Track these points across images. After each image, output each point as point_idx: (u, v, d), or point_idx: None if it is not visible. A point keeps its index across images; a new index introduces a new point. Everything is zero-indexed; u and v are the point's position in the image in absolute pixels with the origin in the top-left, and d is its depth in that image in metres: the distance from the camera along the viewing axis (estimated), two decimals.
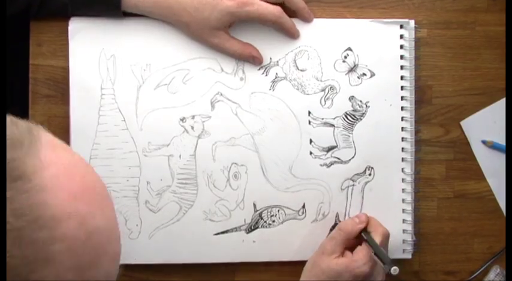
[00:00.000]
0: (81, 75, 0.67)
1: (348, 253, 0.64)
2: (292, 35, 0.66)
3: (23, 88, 0.68)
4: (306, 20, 0.66)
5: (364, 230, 0.65)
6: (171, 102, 0.67)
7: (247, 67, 0.68)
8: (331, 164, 0.69)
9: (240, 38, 0.67)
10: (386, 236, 0.64)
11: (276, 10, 0.63)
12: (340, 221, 0.69)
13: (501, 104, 0.70)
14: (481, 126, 0.70)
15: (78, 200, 0.35)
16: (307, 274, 0.64)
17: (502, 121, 0.69)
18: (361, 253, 0.62)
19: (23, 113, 0.64)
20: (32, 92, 0.68)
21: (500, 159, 0.70)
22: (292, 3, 0.64)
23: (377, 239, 0.63)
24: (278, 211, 0.68)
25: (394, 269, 0.57)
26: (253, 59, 0.65)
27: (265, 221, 0.68)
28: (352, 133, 0.69)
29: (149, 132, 0.67)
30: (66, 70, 0.67)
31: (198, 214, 0.68)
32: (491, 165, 0.71)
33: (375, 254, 0.61)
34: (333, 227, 0.69)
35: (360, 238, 0.65)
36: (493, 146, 0.70)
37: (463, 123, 0.70)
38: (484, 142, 0.70)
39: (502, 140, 0.70)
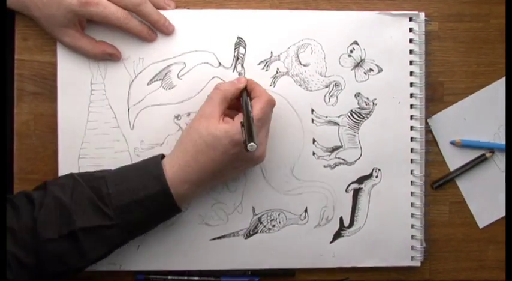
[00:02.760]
0: (69, 70, 0.64)
1: (229, 119, 0.59)
2: (145, 39, 0.64)
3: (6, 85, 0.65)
4: (165, 33, 0.64)
5: (246, 93, 0.61)
6: (166, 98, 0.65)
7: (247, 61, 0.66)
8: (336, 166, 0.67)
9: None
10: (268, 104, 0.59)
11: (121, 15, 0.60)
12: (345, 226, 0.67)
13: (471, 100, 0.69)
14: (449, 124, 0.68)
15: None
16: (183, 139, 0.59)
17: (473, 118, 0.68)
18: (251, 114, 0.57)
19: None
20: (17, 89, 0.66)
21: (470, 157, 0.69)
22: (144, 17, 0.62)
23: (257, 105, 0.58)
24: (279, 215, 0.67)
25: (251, 146, 0.51)
26: (110, 56, 0.63)
27: (264, 226, 0.66)
28: (357, 132, 0.67)
29: (142, 131, 0.65)
30: (53, 65, 0.65)
31: (193, 218, 0.66)
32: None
33: (242, 122, 0.55)
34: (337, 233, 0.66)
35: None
36: (462, 144, 0.68)
37: (430, 121, 0.68)
38: (452, 143, 0.68)
39: (474, 137, 0.68)
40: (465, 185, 0.69)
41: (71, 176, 0.59)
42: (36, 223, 0.55)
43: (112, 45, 0.63)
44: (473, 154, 0.69)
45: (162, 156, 0.60)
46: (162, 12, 0.64)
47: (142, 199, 0.56)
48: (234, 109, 0.61)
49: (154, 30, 0.64)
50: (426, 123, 0.67)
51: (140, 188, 0.57)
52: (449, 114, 0.68)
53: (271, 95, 0.60)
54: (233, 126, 0.57)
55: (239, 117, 0.57)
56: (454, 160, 0.69)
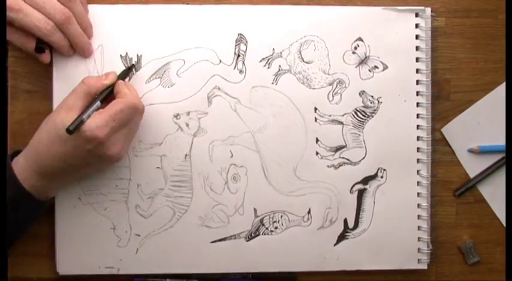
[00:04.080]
0: (65, 67, 0.63)
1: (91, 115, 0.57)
2: (62, 54, 0.62)
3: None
4: (81, 55, 0.63)
5: (107, 90, 0.59)
6: (164, 97, 0.64)
7: (248, 59, 0.65)
8: (340, 166, 0.66)
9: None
10: (132, 108, 0.58)
11: (43, 26, 0.58)
12: (349, 228, 0.67)
13: (484, 102, 0.68)
14: (464, 131, 0.68)
15: None
16: (40, 128, 0.58)
17: (487, 121, 0.68)
18: (99, 116, 0.56)
19: None
20: (11, 87, 0.65)
21: (489, 162, 0.68)
22: (66, 35, 0.60)
23: (119, 105, 0.57)
24: (281, 216, 0.66)
25: (68, 129, 0.52)
26: (39, 54, 0.61)
27: (266, 228, 0.66)
28: (362, 132, 0.66)
29: (140, 130, 0.64)
30: (49, 62, 0.63)
31: (193, 220, 0.65)
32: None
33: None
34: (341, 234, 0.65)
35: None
36: (480, 151, 0.68)
37: (444, 130, 0.68)
38: (470, 151, 0.68)
39: (489, 142, 0.68)
40: (487, 190, 0.68)
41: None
42: None
43: (44, 43, 0.61)
44: (492, 158, 0.68)
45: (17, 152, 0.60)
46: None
47: None
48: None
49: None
50: (432, 121, 0.67)
51: None
52: (462, 121, 0.68)
53: (139, 100, 0.60)
54: (88, 122, 0.55)
55: (97, 114, 0.56)
56: (473, 166, 0.68)
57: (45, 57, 0.61)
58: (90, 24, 0.63)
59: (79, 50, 0.62)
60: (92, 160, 0.58)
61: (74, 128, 0.53)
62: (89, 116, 0.55)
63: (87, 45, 0.62)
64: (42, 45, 0.60)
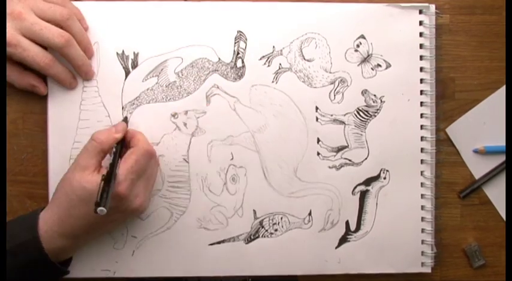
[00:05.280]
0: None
1: (105, 170, 0.57)
2: (64, 86, 0.62)
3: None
4: (83, 78, 0.62)
5: (121, 145, 0.59)
6: (162, 95, 0.64)
7: (247, 56, 0.64)
8: (341, 167, 0.65)
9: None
10: (145, 155, 0.58)
11: (42, 60, 0.58)
12: (351, 230, 0.66)
13: (489, 102, 0.67)
14: (469, 131, 0.67)
15: None
16: (57, 191, 0.57)
17: (493, 121, 0.67)
18: (118, 170, 0.56)
19: None
20: None
21: (495, 163, 0.68)
22: (67, 59, 0.60)
23: (132, 156, 0.57)
24: (281, 218, 0.65)
25: (101, 210, 0.50)
26: (33, 88, 0.61)
27: (266, 230, 0.65)
28: (364, 132, 0.66)
29: (137, 130, 0.63)
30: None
31: (191, 222, 0.64)
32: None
33: (103, 175, 0.54)
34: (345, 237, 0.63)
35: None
36: (485, 152, 0.67)
37: (448, 130, 0.67)
38: (476, 151, 0.67)
39: (495, 142, 0.67)
40: (492, 191, 0.68)
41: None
42: None
43: (38, 77, 0.61)
44: (498, 159, 0.67)
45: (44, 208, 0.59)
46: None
47: (10, 248, 0.55)
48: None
49: (77, 76, 0.62)
50: (436, 121, 0.66)
51: (10, 238, 0.55)
52: (467, 120, 0.67)
53: (150, 145, 0.60)
54: None
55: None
56: (478, 166, 0.67)
57: (43, 90, 0.61)
58: (90, 42, 0.62)
59: (82, 72, 0.62)
60: (115, 217, 0.58)
61: (105, 205, 0.51)
62: (112, 190, 0.53)
63: (89, 67, 0.62)
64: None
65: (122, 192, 0.55)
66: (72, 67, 0.61)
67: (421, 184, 0.66)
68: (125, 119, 0.63)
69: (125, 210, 0.57)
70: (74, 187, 0.55)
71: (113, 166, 0.55)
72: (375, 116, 0.65)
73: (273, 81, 0.64)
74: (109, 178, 0.53)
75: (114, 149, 0.58)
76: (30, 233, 0.56)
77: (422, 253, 0.66)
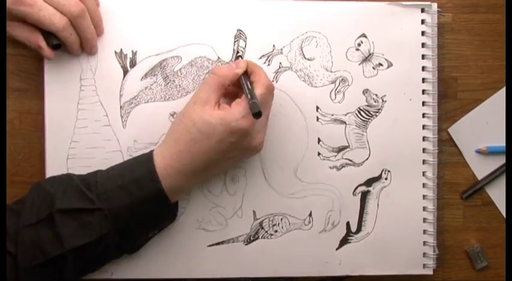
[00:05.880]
0: (57, 64, 0.62)
1: (225, 106, 0.57)
2: (70, 52, 0.61)
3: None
4: (87, 53, 0.62)
5: (245, 76, 0.58)
6: (160, 94, 0.64)
7: (247, 55, 0.64)
8: (342, 167, 0.65)
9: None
10: (269, 89, 0.58)
11: (59, 22, 0.57)
12: (352, 232, 0.66)
13: (492, 102, 0.67)
14: (471, 131, 0.67)
15: None
16: (175, 127, 0.57)
17: (496, 121, 0.67)
18: (241, 105, 0.55)
19: None
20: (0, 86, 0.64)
21: (498, 163, 0.67)
22: (79, 30, 0.59)
23: (257, 91, 0.56)
24: (281, 219, 0.65)
25: (254, 104, 0.53)
26: (40, 50, 0.59)
27: (266, 231, 0.65)
28: (366, 132, 0.65)
29: (135, 129, 0.63)
30: (40, 59, 0.63)
31: (190, 223, 0.64)
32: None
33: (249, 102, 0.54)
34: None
35: (240, 86, 0.58)
36: (488, 152, 0.67)
37: (450, 130, 0.67)
38: (478, 151, 0.67)
39: (498, 142, 0.67)
40: (495, 192, 0.67)
41: (66, 174, 0.58)
42: (20, 211, 0.55)
43: (44, 40, 0.59)
44: (501, 159, 0.67)
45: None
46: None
47: (126, 183, 0.55)
48: (229, 96, 0.59)
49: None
50: (439, 121, 0.66)
51: (127, 173, 0.55)
52: (469, 120, 0.67)
53: (270, 80, 0.59)
54: (229, 113, 0.55)
55: (236, 104, 0.56)
56: (481, 167, 0.67)
57: (52, 53, 0.60)
58: (101, 19, 0.61)
59: (88, 46, 0.61)
60: (234, 154, 0.57)
61: (258, 111, 0.53)
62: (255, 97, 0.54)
63: (95, 43, 0.61)
64: (59, 41, 0.58)
65: (244, 127, 0.54)
66: (80, 39, 0.60)
67: (423, 184, 0.65)
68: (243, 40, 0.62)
69: (245, 147, 0.57)
70: (195, 122, 0.55)
71: (250, 89, 0.55)
72: (376, 115, 0.65)
73: (273, 81, 0.64)
74: (252, 94, 0.54)
75: (242, 80, 0.57)
76: (145, 168, 0.55)
77: (424, 254, 0.66)
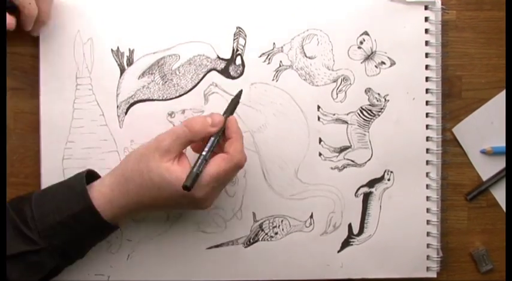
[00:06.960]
0: (53, 63, 0.63)
1: (184, 160, 0.55)
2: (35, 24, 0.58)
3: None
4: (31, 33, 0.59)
5: (216, 136, 0.56)
6: (158, 93, 0.63)
7: (247, 53, 0.64)
8: (344, 168, 0.65)
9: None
10: (237, 166, 0.55)
11: None
12: (354, 234, 0.65)
13: (497, 101, 0.66)
14: (476, 131, 0.66)
15: None
16: (129, 165, 0.55)
17: (501, 120, 0.66)
18: (203, 174, 0.53)
19: None
20: None
21: (503, 164, 0.66)
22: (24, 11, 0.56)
23: (223, 164, 0.54)
24: (281, 221, 0.65)
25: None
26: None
27: (266, 234, 0.64)
28: (368, 131, 0.65)
29: (132, 129, 0.63)
30: (35, 58, 0.62)
31: (188, 225, 0.64)
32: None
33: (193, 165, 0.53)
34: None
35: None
36: (493, 153, 0.66)
37: (455, 130, 0.66)
38: (483, 152, 0.66)
39: (503, 142, 0.66)
40: (500, 194, 0.67)
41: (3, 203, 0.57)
42: None
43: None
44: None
45: (89, 172, 0.57)
46: None
47: (66, 220, 0.54)
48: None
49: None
50: (443, 121, 0.65)
51: (63, 208, 0.54)
52: (474, 120, 0.66)
53: (244, 156, 0.56)
54: (185, 173, 0.53)
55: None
56: (486, 168, 0.67)
57: (12, 20, 0.56)
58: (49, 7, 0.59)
59: (38, 22, 0.58)
60: (181, 206, 0.58)
61: (191, 185, 0.51)
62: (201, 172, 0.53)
63: (48, 17, 0.59)
64: (13, 3, 0.55)
65: (198, 196, 0.54)
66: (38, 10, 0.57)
67: (427, 185, 0.65)
68: (238, 98, 0.59)
69: (193, 207, 0.57)
70: (150, 169, 0.54)
71: (205, 159, 0.54)
72: (379, 115, 0.64)
73: (273, 79, 0.63)
74: (196, 164, 0.53)
75: (209, 142, 0.55)
76: (82, 201, 0.54)
77: (428, 257, 0.65)
